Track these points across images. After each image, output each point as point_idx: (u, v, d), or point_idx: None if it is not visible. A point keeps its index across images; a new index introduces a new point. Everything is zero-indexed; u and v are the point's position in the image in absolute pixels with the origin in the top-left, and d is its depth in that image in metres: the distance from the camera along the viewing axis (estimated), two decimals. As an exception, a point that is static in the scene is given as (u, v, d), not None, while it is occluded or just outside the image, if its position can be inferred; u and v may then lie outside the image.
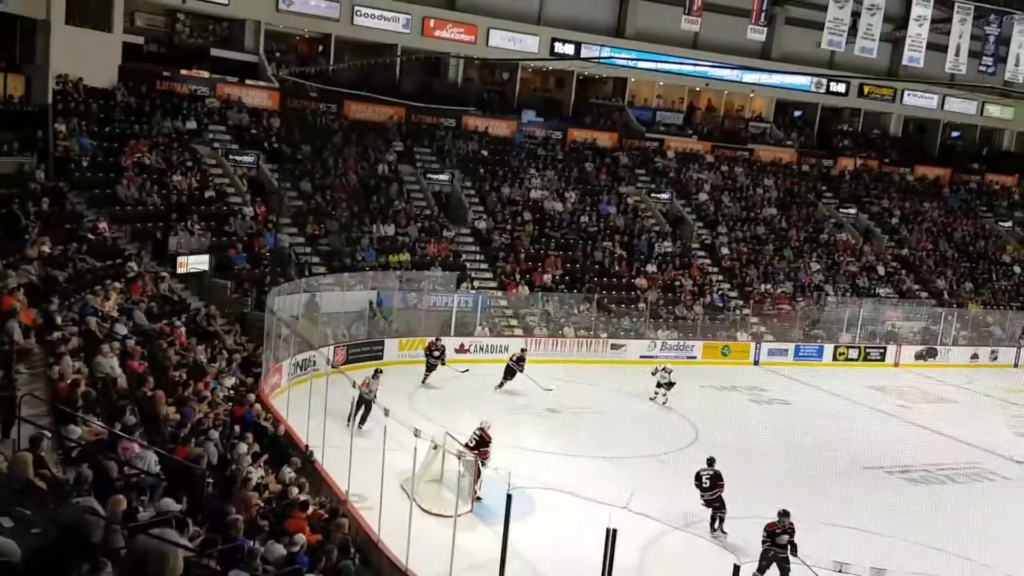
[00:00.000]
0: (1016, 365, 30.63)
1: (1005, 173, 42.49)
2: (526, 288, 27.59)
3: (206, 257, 22.55)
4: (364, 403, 16.16)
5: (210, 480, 9.67)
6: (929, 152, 43.46)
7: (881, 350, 29.77)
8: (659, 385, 21.39)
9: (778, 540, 11.66)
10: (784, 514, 11.89)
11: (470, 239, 29.18)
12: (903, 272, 34.72)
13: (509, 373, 21.09)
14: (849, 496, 15.68)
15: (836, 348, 29.19)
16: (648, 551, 12.29)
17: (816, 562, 8.57)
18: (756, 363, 27.32)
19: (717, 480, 13.63)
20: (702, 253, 32.53)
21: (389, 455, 11.71)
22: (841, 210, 37.17)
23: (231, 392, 15.04)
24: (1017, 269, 36.78)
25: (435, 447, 13.27)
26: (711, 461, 13.95)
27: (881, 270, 34.30)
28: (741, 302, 30.23)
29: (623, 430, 18.46)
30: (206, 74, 29.21)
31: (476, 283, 27.06)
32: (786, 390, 24.46)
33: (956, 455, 19.26)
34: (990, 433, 21.26)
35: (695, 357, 27.14)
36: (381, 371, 18.09)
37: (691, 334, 27.96)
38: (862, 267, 34.15)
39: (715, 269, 31.91)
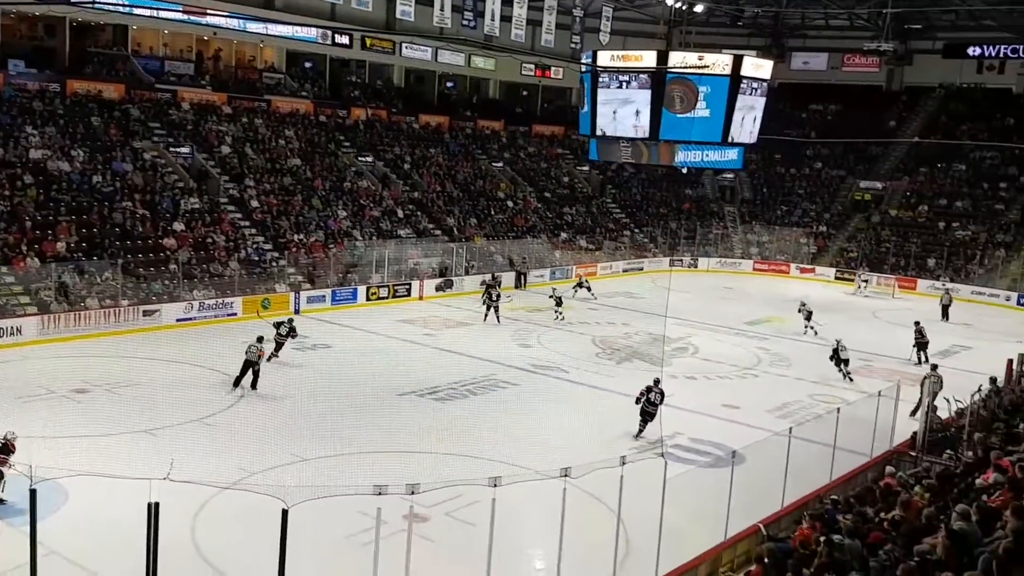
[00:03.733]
0: (519, 287, 35.51)
1: (493, 119, 48.20)
2: (36, 260, 24.67)
3: None
4: None
5: None
6: (429, 101, 47.56)
7: (407, 286, 32.46)
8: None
9: (650, 397, 16.89)
10: (656, 381, 17.14)
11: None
12: (419, 213, 37.93)
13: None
14: (389, 422, 17.24)
15: (368, 289, 31.12)
16: (200, 517, 12.28)
17: (358, 489, 9.43)
18: (297, 312, 28.00)
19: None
20: (232, 207, 32.02)
21: None
22: (359, 158, 39.16)
23: None
24: (510, 204, 42.43)
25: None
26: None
27: (400, 213, 37.08)
28: (276, 253, 30.55)
29: (164, 399, 17.82)
30: None
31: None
32: (327, 334, 25.58)
33: (476, 371, 22.02)
34: (501, 348, 24.63)
35: (236, 313, 26.93)
36: None
37: (229, 291, 27.61)
38: (383, 211, 36.56)
39: (247, 223, 31.68)
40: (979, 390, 16.68)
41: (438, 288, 33.36)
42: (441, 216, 38.49)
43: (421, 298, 32.38)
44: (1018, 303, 35.59)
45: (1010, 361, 20.82)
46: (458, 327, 27.98)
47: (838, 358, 22.86)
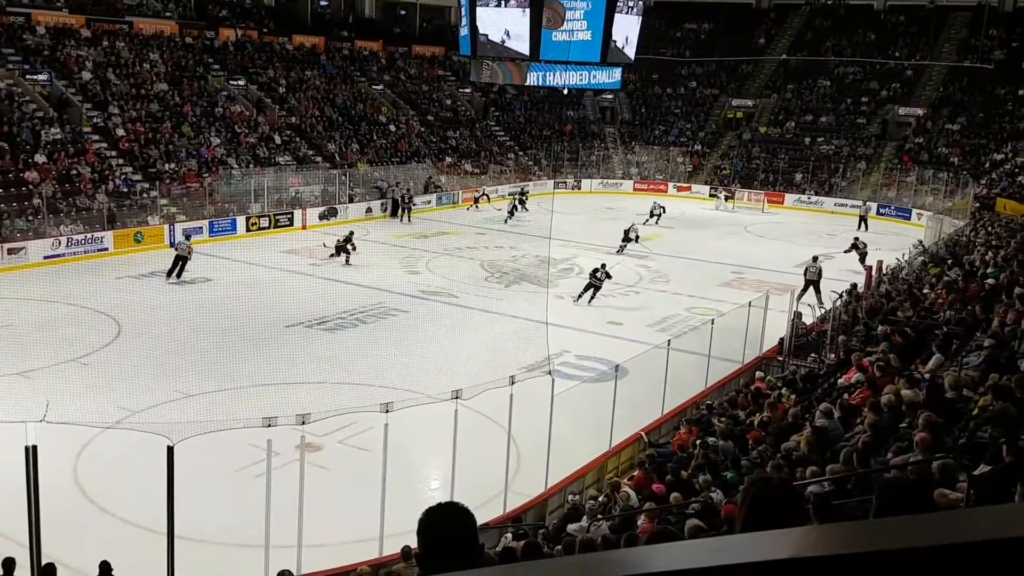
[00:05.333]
0: (398, 214, 35.15)
1: (371, 39, 46.79)
2: None
3: None
4: None
5: None
6: (303, 21, 45.70)
7: (289, 215, 31.71)
8: None
9: (597, 275, 21.42)
10: (603, 265, 21.74)
11: None
12: (297, 139, 36.84)
13: None
14: (277, 355, 17.06)
15: (248, 219, 30.24)
16: (82, 458, 11.99)
17: (246, 422, 9.41)
18: (172, 245, 26.95)
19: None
20: (96, 137, 30.26)
21: None
22: (231, 82, 37.48)
23: None
24: (393, 128, 41.68)
25: None
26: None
27: (277, 139, 35.91)
28: (147, 185, 29.18)
29: (38, 340, 17.05)
30: None
31: None
32: (207, 266, 24.79)
33: (364, 300, 21.93)
34: (389, 276, 24.58)
35: (107, 248, 25.77)
36: None
37: (98, 225, 26.33)
38: (260, 137, 35.32)
39: (113, 152, 30.06)
40: (840, 296, 17.85)
41: (322, 216, 32.73)
42: (321, 142, 37.51)
43: (304, 227, 31.73)
44: (877, 213, 37.77)
45: (869, 268, 22.28)
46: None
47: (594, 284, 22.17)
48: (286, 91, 39.27)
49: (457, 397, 11.03)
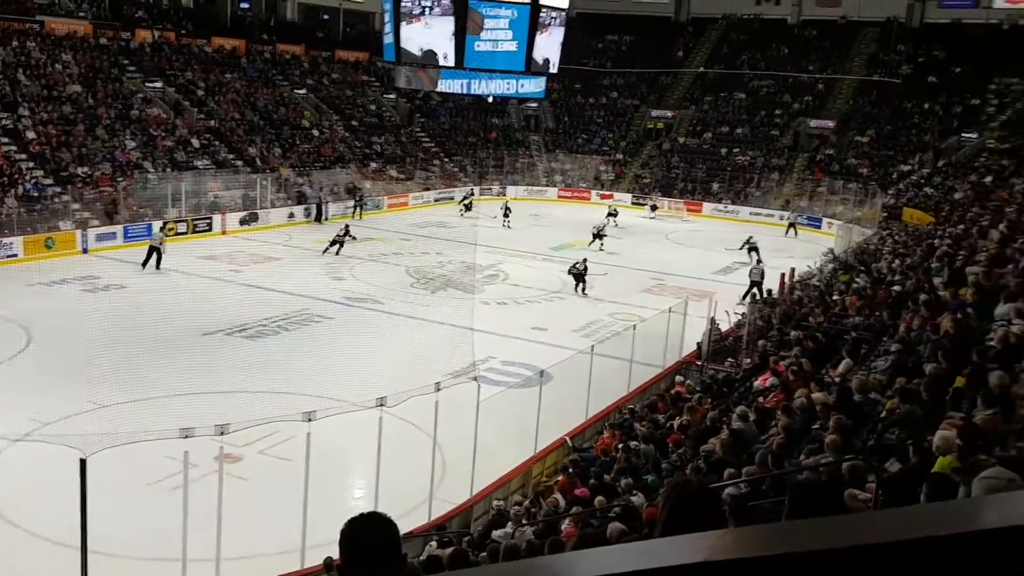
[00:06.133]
0: (321, 219, 34.74)
1: (293, 43, 46.18)
2: None
3: None
4: None
5: None
6: (222, 23, 44.79)
7: (208, 220, 30.98)
8: None
9: (578, 267, 23.99)
10: (584, 260, 24.48)
11: None
12: (217, 143, 36.04)
13: None
14: (195, 364, 16.63)
15: (165, 224, 29.41)
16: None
17: (163, 434, 9.19)
18: (85, 251, 26.11)
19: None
20: (5, 139, 29.08)
21: None
22: (147, 84, 36.46)
23: None
24: (316, 133, 41.16)
25: None
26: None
27: (196, 142, 35.07)
28: (59, 189, 28.14)
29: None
30: None
31: None
32: (121, 275, 24.06)
33: (286, 306, 21.55)
34: (312, 282, 24.25)
35: (16, 255, 24.78)
36: None
37: (7, 230, 25.30)
38: (177, 141, 34.44)
39: (23, 155, 28.92)
40: (755, 302, 18.40)
41: (242, 221, 32.09)
42: (242, 146, 36.77)
43: (224, 232, 31.05)
44: (787, 223, 38.89)
45: (783, 275, 23.00)
46: (266, 262, 27.16)
47: (577, 273, 24.64)
48: (205, 94, 38.39)
49: (382, 405, 10.98)
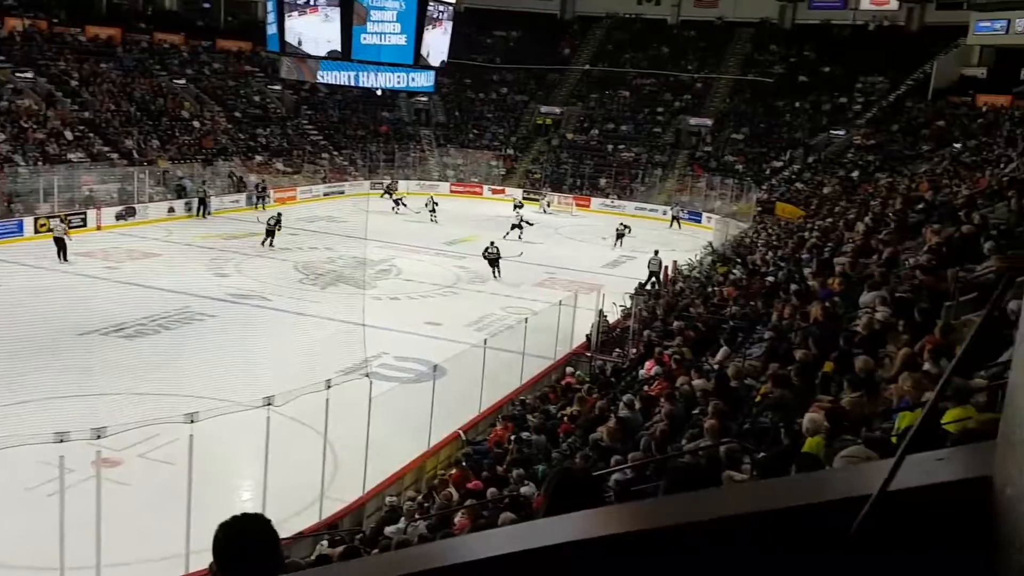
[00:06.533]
0: (204, 214, 33.63)
1: (172, 32, 44.44)
2: None
3: None
4: None
5: None
6: (97, 11, 42.72)
7: (82, 216, 29.52)
8: None
9: (491, 250, 25.35)
10: (492, 243, 25.72)
11: None
12: (91, 135, 34.36)
13: None
14: (70, 365, 15.90)
15: (37, 220, 27.89)
16: None
17: (36, 437, 8.79)
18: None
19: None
20: None
21: None
22: (17, 75, 34.45)
23: None
24: (197, 124, 39.75)
25: None
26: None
27: (69, 135, 33.36)
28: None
29: None
30: None
31: None
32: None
33: (167, 304, 20.79)
34: (194, 278, 23.47)
35: None
36: None
37: None
38: (49, 133, 32.68)
39: None
40: (639, 294, 18.97)
41: (119, 216, 30.72)
42: (118, 138, 35.16)
43: (99, 228, 29.66)
44: (670, 217, 40.15)
45: (666, 268, 23.77)
46: (144, 258, 26.11)
47: (492, 258, 25.97)
48: (79, 84, 36.55)
49: (269, 404, 10.80)
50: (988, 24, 38.05)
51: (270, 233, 28.18)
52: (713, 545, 1.34)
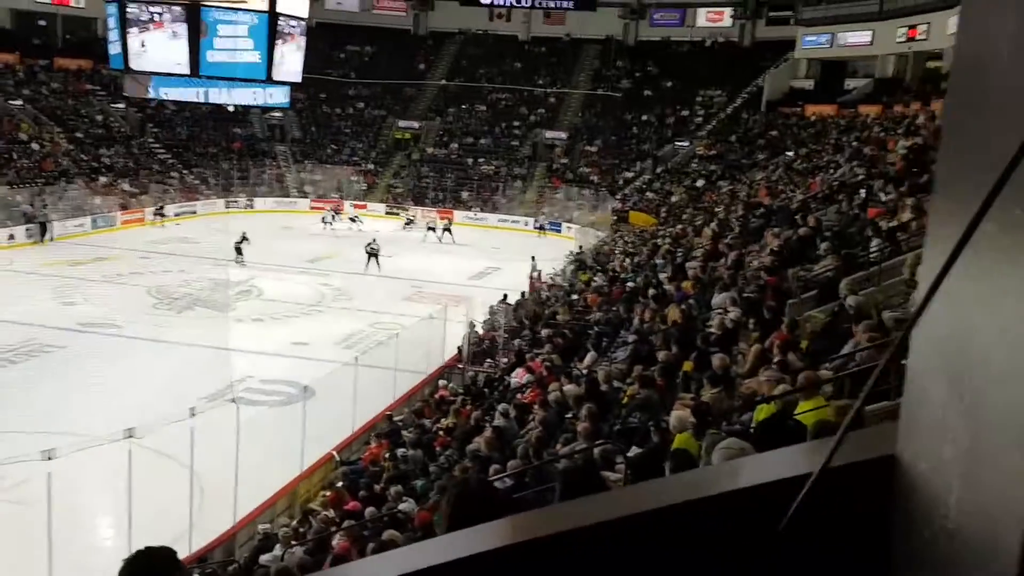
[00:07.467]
0: (44, 239, 31.67)
1: (5, 51, 41.87)
2: None
3: None
4: None
5: None
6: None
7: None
8: None
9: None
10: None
11: None
12: (-89, 158, 31.70)
13: None
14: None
15: None
16: None
17: None
18: None
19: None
20: None
21: None
22: None
23: None
24: (36, 147, 37.39)
25: None
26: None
27: None
28: None
29: None
30: None
31: None
32: None
33: (10, 336, 19.46)
34: (40, 308, 22.05)
35: None
36: None
37: None
38: None
39: None
40: (503, 304, 19.34)
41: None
42: (-57, 162, 32.60)
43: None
44: (535, 227, 41.07)
45: (531, 277, 24.29)
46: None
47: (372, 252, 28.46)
48: None
49: (130, 436, 10.37)
50: (814, 39, 41.15)
51: (238, 251, 28.72)
52: (623, 545, 1.41)
